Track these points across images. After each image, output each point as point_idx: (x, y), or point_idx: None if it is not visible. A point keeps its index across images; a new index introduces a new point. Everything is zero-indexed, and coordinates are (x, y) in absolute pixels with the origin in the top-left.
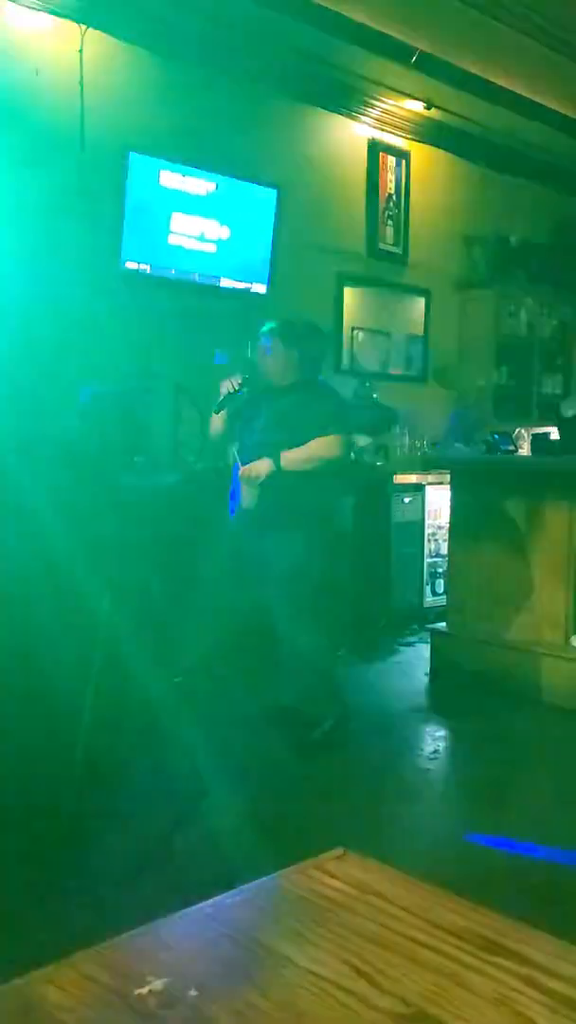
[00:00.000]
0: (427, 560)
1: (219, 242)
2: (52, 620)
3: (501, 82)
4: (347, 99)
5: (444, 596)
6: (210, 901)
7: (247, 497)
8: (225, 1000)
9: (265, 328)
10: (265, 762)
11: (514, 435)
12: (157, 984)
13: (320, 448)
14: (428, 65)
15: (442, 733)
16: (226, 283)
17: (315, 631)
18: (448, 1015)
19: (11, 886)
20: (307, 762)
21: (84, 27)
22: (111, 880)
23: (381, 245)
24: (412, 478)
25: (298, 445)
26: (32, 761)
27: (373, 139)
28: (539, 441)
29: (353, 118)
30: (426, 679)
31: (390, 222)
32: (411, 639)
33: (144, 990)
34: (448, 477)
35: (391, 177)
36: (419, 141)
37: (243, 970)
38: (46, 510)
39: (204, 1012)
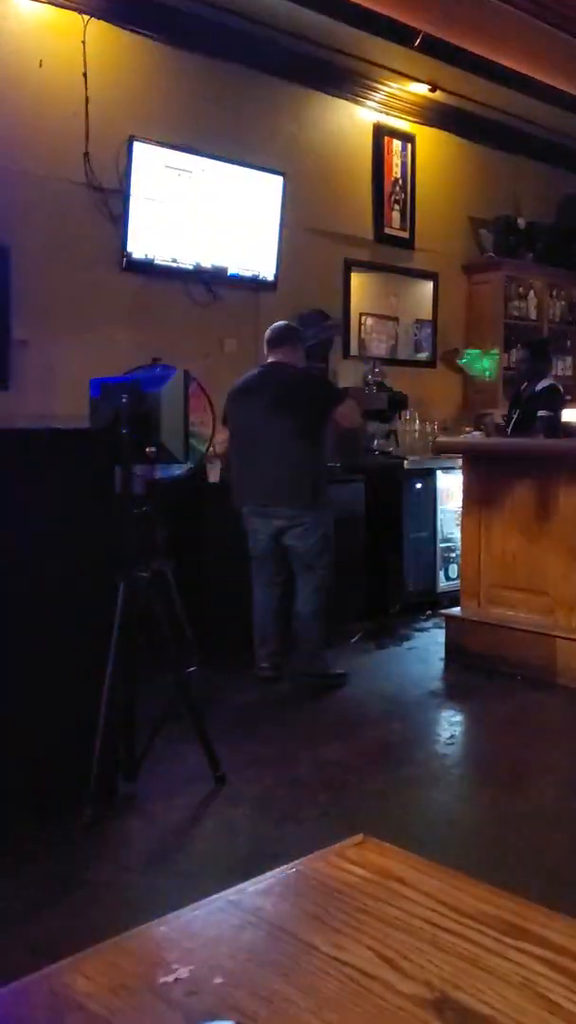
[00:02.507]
0: (440, 545)
1: (225, 230)
2: (66, 610)
3: (505, 62)
4: (351, 83)
5: (457, 581)
6: (232, 889)
7: None
8: (250, 987)
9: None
10: (283, 749)
11: None
12: (183, 972)
13: None
14: (432, 47)
15: (458, 718)
16: (233, 271)
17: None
18: (472, 999)
19: (34, 876)
20: (324, 748)
21: (87, 17)
22: (132, 868)
23: (388, 230)
24: (423, 463)
25: None
26: (50, 751)
27: (378, 123)
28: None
29: (358, 102)
30: (441, 664)
31: (396, 206)
32: (425, 624)
33: (170, 978)
34: (460, 461)
35: (397, 161)
36: (424, 124)
37: (267, 957)
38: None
39: (230, 999)
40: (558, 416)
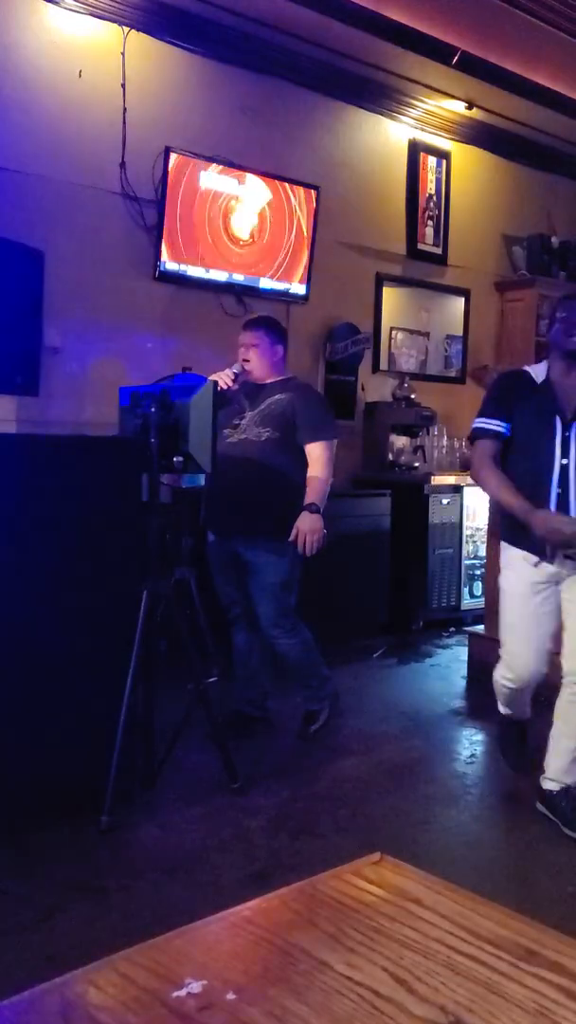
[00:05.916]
0: (465, 562)
1: (259, 242)
2: (89, 617)
3: (542, 81)
4: (388, 99)
5: (482, 598)
6: (247, 904)
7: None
8: (263, 1004)
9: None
10: (301, 762)
11: None
12: (195, 986)
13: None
14: (469, 65)
15: (479, 737)
16: (265, 283)
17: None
18: None
19: (49, 882)
20: (343, 763)
21: (127, 29)
22: (147, 877)
23: (421, 245)
24: (450, 479)
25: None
26: (69, 757)
27: (414, 139)
28: None
29: (394, 118)
30: (463, 682)
31: (430, 222)
32: (448, 641)
33: (182, 992)
34: None
35: (431, 177)
36: (460, 141)
37: (281, 974)
38: (86, 507)
39: (242, 1015)
40: None
